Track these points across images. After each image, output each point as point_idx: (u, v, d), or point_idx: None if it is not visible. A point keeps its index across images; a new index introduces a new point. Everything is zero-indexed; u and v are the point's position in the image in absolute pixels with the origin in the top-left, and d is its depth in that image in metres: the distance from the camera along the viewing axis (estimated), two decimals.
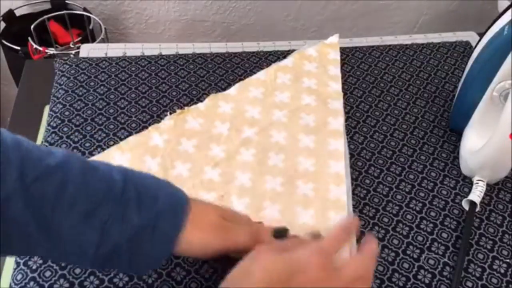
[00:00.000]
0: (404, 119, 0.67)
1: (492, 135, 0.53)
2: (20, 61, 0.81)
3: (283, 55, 0.73)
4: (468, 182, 0.60)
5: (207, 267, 0.50)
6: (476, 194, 0.57)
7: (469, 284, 0.52)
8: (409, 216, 0.57)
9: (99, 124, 0.62)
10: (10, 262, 0.50)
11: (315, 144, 0.60)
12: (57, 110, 0.63)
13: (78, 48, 0.76)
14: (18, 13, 1.22)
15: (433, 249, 0.54)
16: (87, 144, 0.59)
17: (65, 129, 0.61)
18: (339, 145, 0.60)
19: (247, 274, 0.38)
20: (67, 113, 0.62)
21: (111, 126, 0.62)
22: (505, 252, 0.55)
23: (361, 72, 0.72)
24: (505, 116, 0.51)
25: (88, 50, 0.75)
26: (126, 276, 0.49)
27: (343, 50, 0.74)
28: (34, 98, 0.67)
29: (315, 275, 0.38)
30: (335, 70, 0.69)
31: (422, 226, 0.56)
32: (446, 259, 0.53)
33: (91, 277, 0.48)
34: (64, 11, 1.20)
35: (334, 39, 0.73)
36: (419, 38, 0.81)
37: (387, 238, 0.54)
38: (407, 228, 0.55)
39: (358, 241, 0.54)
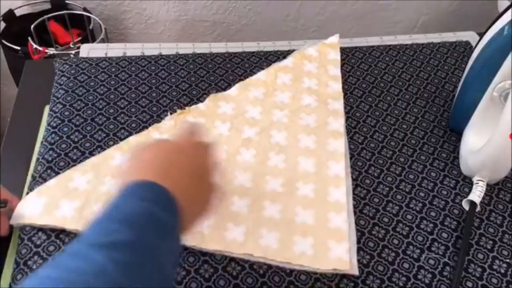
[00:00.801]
0: (404, 119, 0.67)
1: (492, 135, 0.53)
2: (20, 61, 0.80)
3: (283, 55, 0.73)
4: (468, 182, 0.60)
5: (207, 267, 0.50)
6: (476, 194, 0.57)
7: (469, 284, 0.52)
8: (409, 216, 0.57)
9: (99, 124, 0.62)
10: (10, 261, 0.50)
11: (316, 144, 0.60)
12: (57, 110, 0.63)
13: (78, 48, 0.76)
14: (18, 13, 1.22)
15: (433, 249, 0.54)
16: (87, 144, 0.59)
17: (65, 129, 0.61)
18: (340, 145, 0.60)
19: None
20: (67, 113, 0.62)
21: (111, 126, 0.62)
22: (505, 252, 0.55)
23: (361, 72, 0.72)
24: (505, 116, 0.51)
25: (88, 50, 0.75)
26: None
27: (343, 50, 0.74)
28: (34, 98, 0.67)
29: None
30: (335, 70, 0.69)
31: (422, 226, 0.56)
32: (446, 259, 0.53)
33: None
34: (64, 11, 1.20)
35: (334, 39, 0.73)
36: (419, 38, 0.81)
37: (387, 238, 0.54)
38: (407, 228, 0.55)
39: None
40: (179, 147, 0.44)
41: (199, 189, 0.42)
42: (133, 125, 0.62)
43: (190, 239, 0.51)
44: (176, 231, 0.38)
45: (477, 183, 0.58)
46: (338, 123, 0.63)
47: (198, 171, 0.43)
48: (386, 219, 0.56)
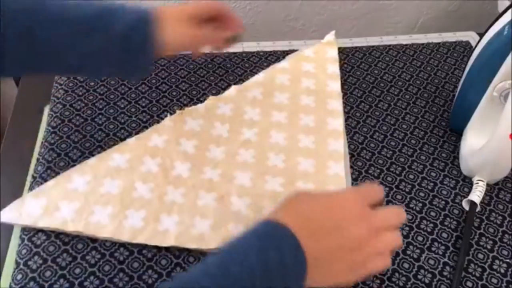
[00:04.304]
0: (404, 119, 0.67)
1: (492, 135, 0.53)
2: None
3: (283, 55, 0.73)
4: (468, 182, 0.60)
5: None
6: (476, 194, 0.57)
7: (469, 284, 0.52)
8: (409, 216, 0.56)
9: (99, 124, 0.62)
10: (10, 262, 0.50)
11: (315, 144, 0.60)
12: (57, 110, 0.63)
13: None
14: None
15: (433, 249, 0.54)
16: (87, 144, 0.59)
17: (65, 129, 0.61)
18: (339, 145, 0.60)
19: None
20: (67, 113, 0.62)
21: (111, 126, 0.62)
22: (505, 252, 0.55)
23: (361, 72, 0.72)
24: (505, 116, 0.51)
25: None
26: (126, 276, 0.49)
27: (343, 50, 0.74)
28: (34, 98, 0.67)
29: (353, 210, 0.42)
30: (334, 68, 0.69)
31: (422, 226, 0.56)
32: (446, 259, 0.53)
33: (91, 277, 0.48)
34: None
35: (330, 36, 0.73)
36: (419, 38, 0.81)
37: None
38: (407, 228, 0.55)
39: None
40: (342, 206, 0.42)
41: (342, 258, 0.40)
42: (133, 125, 0.62)
43: (190, 240, 0.51)
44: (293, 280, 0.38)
45: (477, 183, 0.58)
46: (337, 123, 0.63)
47: (350, 243, 0.40)
48: None
